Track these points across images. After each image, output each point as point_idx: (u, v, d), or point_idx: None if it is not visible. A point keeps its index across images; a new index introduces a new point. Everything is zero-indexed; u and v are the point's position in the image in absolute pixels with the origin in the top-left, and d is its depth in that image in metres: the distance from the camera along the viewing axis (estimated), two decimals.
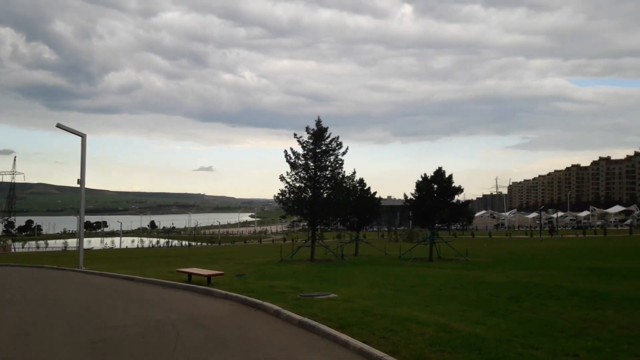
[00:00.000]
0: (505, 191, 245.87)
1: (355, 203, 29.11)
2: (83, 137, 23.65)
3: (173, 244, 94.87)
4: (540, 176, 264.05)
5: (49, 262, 29.32)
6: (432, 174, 26.62)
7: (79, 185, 23.44)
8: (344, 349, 7.21)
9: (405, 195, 27.91)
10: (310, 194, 24.21)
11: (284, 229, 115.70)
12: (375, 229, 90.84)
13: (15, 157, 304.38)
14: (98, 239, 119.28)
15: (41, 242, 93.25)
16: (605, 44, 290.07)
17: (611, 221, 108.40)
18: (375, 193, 31.47)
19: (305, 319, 8.65)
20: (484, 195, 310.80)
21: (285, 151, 24.30)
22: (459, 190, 26.44)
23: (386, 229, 77.29)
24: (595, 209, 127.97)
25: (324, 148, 24.19)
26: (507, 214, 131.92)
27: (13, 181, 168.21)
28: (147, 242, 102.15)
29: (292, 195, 24.30)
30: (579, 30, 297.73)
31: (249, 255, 32.07)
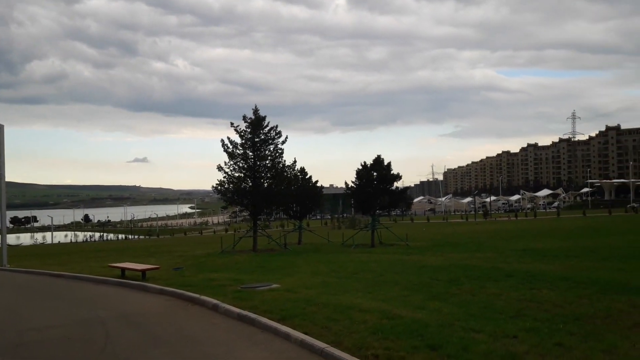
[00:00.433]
0: (441, 177, 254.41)
1: (296, 192, 28.87)
2: (0, 128, 21.96)
3: (109, 237, 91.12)
4: (473, 162, 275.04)
5: None
6: (372, 162, 26.75)
7: None
8: (285, 341, 6.94)
9: (346, 183, 27.96)
10: (251, 183, 23.67)
11: (226, 219, 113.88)
12: (318, 217, 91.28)
13: None
14: (28, 235, 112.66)
15: None
16: (529, 36, 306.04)
17: (540, 204, 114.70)
18: (316, 182, 31.40)
19: (245, 312, 8.29)
20: (421, 182, 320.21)
21: (222, 140, 23.58)
22: (398, 177, 26.76)
23: (329, 217, 77.78)
24: (526, 192, 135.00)
25: (262, 137, 23.67)
26: (444, 199, 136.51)
27: None
28: (81, 236, 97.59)
29: (231, 185, 23.67)
30: (504, 23, 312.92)
31: (188, 247, 31.11)
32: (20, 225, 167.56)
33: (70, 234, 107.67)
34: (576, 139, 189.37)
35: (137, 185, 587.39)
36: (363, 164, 26.93)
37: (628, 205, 72.15)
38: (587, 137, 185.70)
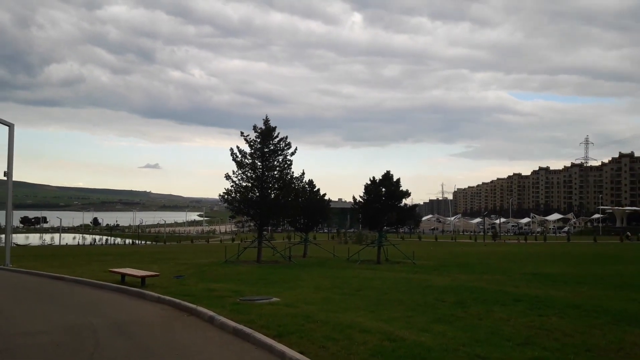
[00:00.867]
0: (450, 197, 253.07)
1: (304, 204, 28.61)
2: (10, 126, 22.01)
3: (116, 241, 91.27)
4: (483, 183, 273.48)
5: None
6: (381, 178, 26.47)
7: (5, 178, 21.73)
8: None
9: (354, 197, 27.66)
10: (258, 194, 23.45)
11: (233, 229, 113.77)
12: (325, 231, 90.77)
13: None
14: (37, 235, 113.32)
15: None
16: (543, 60, 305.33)
17: (550, 228, 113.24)
18: (324, 195, 31.13)
19: (241, 327, 7.98)
20: (431, 200, 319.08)
21: (232, 149, 23.44)
22: (407, 194, 26.42)
23: (336, 231, 77.27)
24: (536, 216, 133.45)
25: (272, 148, 23.50)
26: (453, 218, 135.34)
27: None
28: (89, 239, 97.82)
29: (238, 195, 23.45)
30: (519, 47, 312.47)
31: (193, 255, 30.89)
32: (30, 225, 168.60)
33: (78, 236, 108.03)
34: (589, 164, 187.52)
35: (148, 191, 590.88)
36: (372, 179, 26.66)
37: (623, 234, 71.23)
38: (600, 163, 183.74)
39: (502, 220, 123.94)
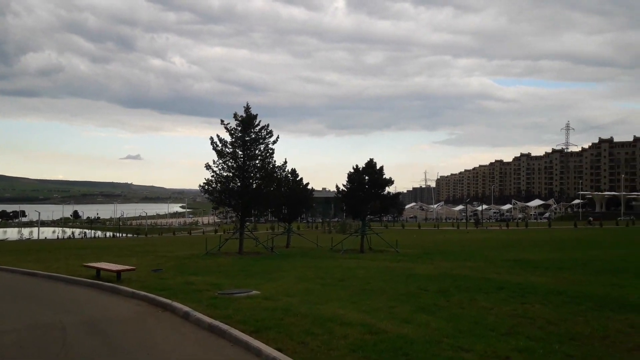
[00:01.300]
0: (433, 184, 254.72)
1: (287, 194, 28.29)
2: None
3: (96, 235, 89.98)
4: (466, 170, 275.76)
5: None
6: (364, 166, 26.30)
7: None
8: (255, 358, 6.33)
9: (337, 186, 27.44)
10: (239, 183, 23.05)
11: (216, 220, 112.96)
12: (309, 221, 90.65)
13: None
14: (15, 229, 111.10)
15: None
16: (526, 46, 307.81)
17: (531, 214, 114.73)
18: (307, 184, 30.82)
19: (217, 323, 7.66)
20: (414, 188, 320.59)
21: (212, 138, 22.95)
22: (390, 181, 26.29)
23: (320, 221, 77.17)
24: (517, 202, 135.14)
25: (253, 136, 23.07)
26: (435, 206, 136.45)
27: None
28: (68, 232, 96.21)
29: (219, 185, 23.03)
30: (502, 32, 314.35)
31: (174, 247, 30.41)
32: (8, 219, 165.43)
33: (58, 230, 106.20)
34: (569, 150, 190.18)
35: (129, 182, 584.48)
36: (355, 167, 26.46)
37: (588, 218, 72.83)
38: (580, 149, 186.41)
39: (484, 207, 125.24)
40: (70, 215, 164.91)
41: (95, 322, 8.60)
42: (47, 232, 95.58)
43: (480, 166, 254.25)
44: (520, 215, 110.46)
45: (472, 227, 61.71)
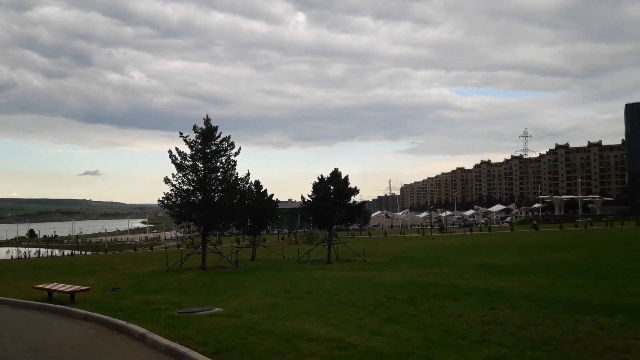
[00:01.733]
0: (398, 192, 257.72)
1: (251, 206, 27.76)
2: None
3: (53, 253, 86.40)
4: (429, 178, 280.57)
5: None
6: (329, 176, 26.09)
7: None
8: None
9: (302, 197, 27.11)
10: (200, 197, 22.40)
11: (179, 235, 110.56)
12: (275, 232, 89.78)
13: None
14: None
15: None
16: (482, 57, 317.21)
17: (493, 219, 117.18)
18: (272, 195, 30.37)
19: (174, 345, 7.15)
20: (379, 197, 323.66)
21: (170, 151, 22.27)
22: (355, 191, 26.16)
23: (286, 232, 76.45)
24: (479, 208, 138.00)
25: (214, 148, 22.53)
26: (401, 213, 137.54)
27: None
28: (23, 252, 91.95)
29: (178, 199, 22.31)
30: (459, 45, 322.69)
31: (134, 264, 29.27)
32: None
33: (13, 249, 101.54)
34: (527, 156, 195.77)
35: (88, 199, 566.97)
36: (320, 177, 26.24)
37: (533, 222, 75.48)
38: (538, 155, 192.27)
39: (448, 213, 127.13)
40: (26, 234, 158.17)
41: (42, 349, 7.94)
42: (1, 253, 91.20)
43: (442, 174, 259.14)
44: (482, 220, 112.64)
45: (437, 233, 62.30)
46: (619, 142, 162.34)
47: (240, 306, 10.74)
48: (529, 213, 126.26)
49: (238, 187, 23.98)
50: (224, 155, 22.82)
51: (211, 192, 22.62)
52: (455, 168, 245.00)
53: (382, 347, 6.95)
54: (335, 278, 16.31)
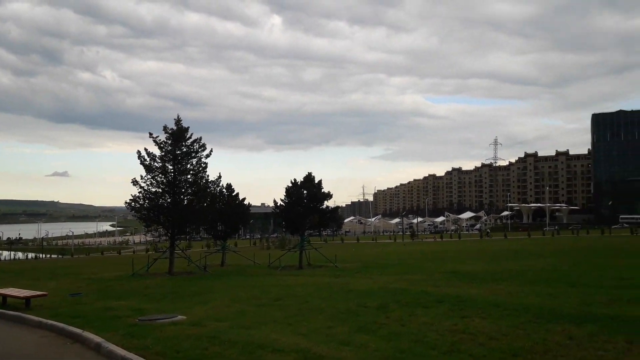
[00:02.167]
0: (371, 198, 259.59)
1: (221, 210, 27.27)
2: None
3: (17, 256, 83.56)
4: (401, 184, 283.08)
5: None
6: (302, 180, 25.87)
7: None
8: None
9: (275, 201, 26.79)
10: (169, 199, 21.84)
11: (148, 238, 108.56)
12: (247, 237, 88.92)
13: None
14: None
15: None
16: (455, 65, 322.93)
17: (463, 226, 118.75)
18: (244, 199, 29.95)
19: (131, 355, 6.74)
20: (353, 202, 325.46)
21: (139, 152, 21.68)
22: (329, 195, 25.99)
23: (259, 237, 75.76)
24: (450, 214, 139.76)
25: (184, 150, 22.03)
26: (373, 219, 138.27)
27: None
28: None
29: (146, 201, 21.69)
30: (433, 52, 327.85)
31: (99, 268, 28.39)
32: None
33: None
34: (497, 164, 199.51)
35: (56, 200, 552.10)
36: (293, 181, 25.99)
37: (483, 230, 77.52)
38: (508, 163, 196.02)
39: (419, 219, 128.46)
40: None
41: None
42: None
43: (415, 180, 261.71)
44: (453, 227, 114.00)
45: (409, 239, 62.69)
46: (586, 152, 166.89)
47: (206, 314, 10.36)
48: (498, 220, 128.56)
49: (209, 190, 23.51)
50: (194, 157, 22.36)
51: (180, 194, 22.10)
52: (427, 174, 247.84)
53: (350, 359, 6.70)
54: (306, 284, 16.03)
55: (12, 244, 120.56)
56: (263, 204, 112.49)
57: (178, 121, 22.14)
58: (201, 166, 22.51)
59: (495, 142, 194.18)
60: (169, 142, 21.88)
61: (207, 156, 22.60)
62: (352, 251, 39.13)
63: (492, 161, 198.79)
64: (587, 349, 7.34)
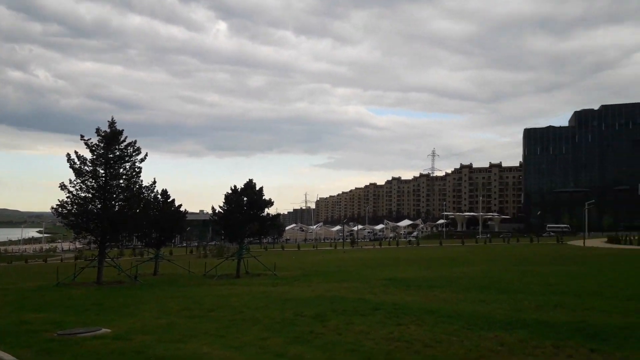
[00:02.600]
0: (313, 206, 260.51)
1: (156, 217, 26.25)
2: None
3: None
4: (343, 193, 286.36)
5: None
6: (242, 187, 25.39)
7: None
8: None
9: (213, 208, 26.13)
10: (100, 205, 20.71)
11: (78, 246, 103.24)
12: (184, 245, 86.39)
13: None
14: None
15: None
16: (397, 78, 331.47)
17: (401, 233, 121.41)
18: (180, 205, 29.03)
19: None
20: (295, 210, 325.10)
21: (69, 155, 20.43)
22: (270, 202, 25.63)
23: (195, 245, 73.73)
24: (389, 222, 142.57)
25: (118, 153, 21.01)
26: (315, 227, 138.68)
27: None
28: None
29: (75, 207, 20.45)
30: (376, 65, 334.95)
31: (20, 278, 26.47)
32: None
33: None
34: (434, 174, 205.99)
35: None
36: (233, 187, 25.46)
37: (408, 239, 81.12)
38: (444, 174, 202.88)
39: (360, 227, 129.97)
40: None
41: None
42: None
43: (356, 188, 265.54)
44: (391, 235, 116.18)
45: (349, 246, 63.14)
46: (517, 164, 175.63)
47: (132, 326, 9.76)
48: (434, 228, 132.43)
49: (142, 195, 22.55)
50: (128, 161, 21.37)
51: (112, 200, 21.02)
52: (368, 183, 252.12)
53: None
54: (243, 294, 15.61)
55: None
56: (202, 211, 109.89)
57: (112, 123, 21.11)
58: (135, 171, 21.54)
59: (433, 154, 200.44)
60: (102, 145, 20.81)
61: (142, 160, 21.67)
62: (292, 259, 38.86)
63: (430, 171, 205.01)
64: (517, 354, 7.49)
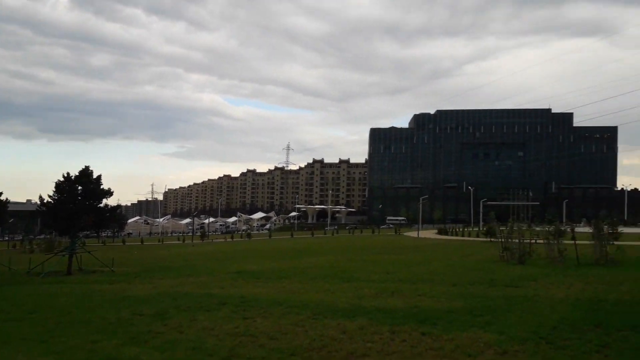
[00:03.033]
0: (161, 197, 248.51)
1: None
2: None
3: None
4: (195, 184, 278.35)
5: None
6: (77, 174, 23.04)
7: None
8: None
9: (41, 197, 23.25)
10: None
11: None
12: (6, 239, 76.11)
13: None
14: None
15: None
16: (254, 70, 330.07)
17: (255, 226, 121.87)
18: (0, 194, 25.32)
19: None
20: (139, 201, 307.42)
21: None
22: (109, 192, 23.65)
23: (20, 239, 65.34)
24: (242, 215, 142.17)
25: None
26: (162, 220, 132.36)
27: None
28: None
29: None
30: (232, 54, 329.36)
31: None
32: None
33: None
34: (289, 168, 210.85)
35: None
36: (66, 175, 23.00)
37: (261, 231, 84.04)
38: (298, 168, 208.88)
39: (211, 219, 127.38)
40: None
41: None
42: None
43: (209, 180, 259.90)
44: (244, 227, 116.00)
45: (198, 240, 61.36)
46: (363, 161, 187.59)
47: None
48: (287, 221, 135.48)
49: None
50: None
51: None
52: (222, 175, 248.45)
53: None
54: (73, 293, 14.04)
55: None
56: (29, 201, 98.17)
57: None
58: None
59: (288, 148, 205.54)
60: None
61: None
62: (133, 254, 36.40)
63: (284, 165, 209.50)
64: (357, 341, 7.74)
